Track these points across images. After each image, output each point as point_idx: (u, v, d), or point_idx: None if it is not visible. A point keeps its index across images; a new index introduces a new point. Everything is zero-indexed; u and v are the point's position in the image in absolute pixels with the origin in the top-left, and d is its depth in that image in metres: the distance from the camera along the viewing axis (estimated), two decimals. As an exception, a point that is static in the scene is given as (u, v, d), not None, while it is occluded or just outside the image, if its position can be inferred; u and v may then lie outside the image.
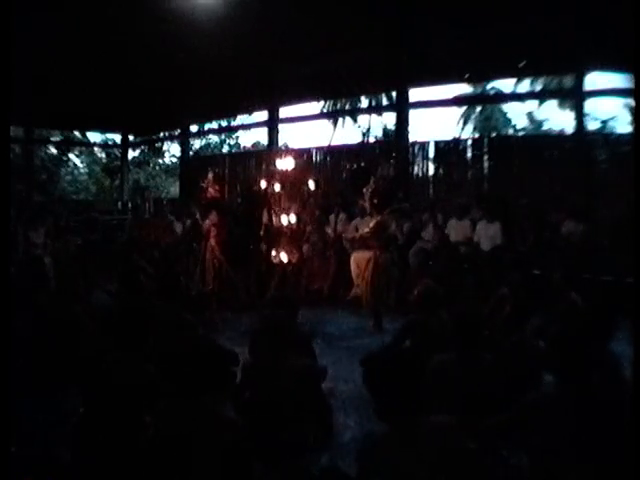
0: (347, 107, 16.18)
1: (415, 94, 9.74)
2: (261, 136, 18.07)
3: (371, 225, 5.91)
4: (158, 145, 19.47)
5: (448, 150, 9.17)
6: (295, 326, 3.51)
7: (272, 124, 11.66)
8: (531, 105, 19.82)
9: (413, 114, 9.64)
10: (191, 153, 16.56)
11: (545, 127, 19.96)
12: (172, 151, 20.53)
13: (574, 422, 2.01)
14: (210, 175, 6.73)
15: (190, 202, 8.06)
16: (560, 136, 12.51)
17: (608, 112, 15.42)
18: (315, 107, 16.02)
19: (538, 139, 14.12)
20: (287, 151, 10.02)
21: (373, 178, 6.07)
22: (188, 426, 2.10)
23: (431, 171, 9.34)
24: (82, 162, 21.24)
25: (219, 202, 6.74)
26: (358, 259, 6.24)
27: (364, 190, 5.97)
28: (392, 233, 6.72)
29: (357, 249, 6.41)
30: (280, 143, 12.54)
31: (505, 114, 21.28)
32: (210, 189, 6.57)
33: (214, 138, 20.58)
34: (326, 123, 20.06)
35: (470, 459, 1.84)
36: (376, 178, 6.06)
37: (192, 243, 6.90)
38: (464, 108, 20.81)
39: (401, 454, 1.82)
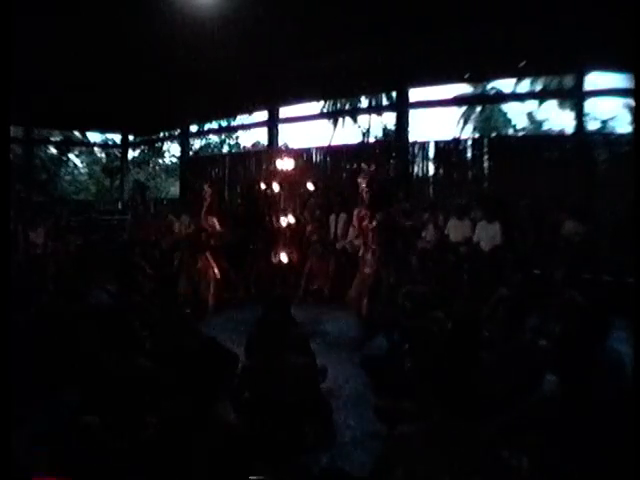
0: (347, 107, 16.18)
1: (415, 94, 9.77)
2: (261, 136, 18.09)
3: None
4: (158, 145, 19.47)
5: (448, 150, 9.17)
6: (290, 325, 3.51)
7: (272, 124, 11.66)
8: (531, 105, 19.79)
9: (413, 114, 9.67)
10: (191, 153, 16.56)
11: (545, 127, 19.94)
12: (172, 151, 20.58)
13: (576, 422, 2.01)
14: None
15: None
16: (560, 136, 12.48)
17: (608, 112, 15.44)
18: (315, 107, 16.03)
19: (538, 139, 14.09)
20: (287, 151, 10.02)
21: (366, 168, 5.69)
22: (186, 426, 2.10)
23: (431, 171, 9.34)
24: (82, 162, 21.23)
25: None
26: None
27: (359, 180, 5.45)
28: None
29: None
30: (280, 143, 12.52)
31: (505, 114, 21.25)
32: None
33: (214, 138, 20.58)
34: (326, 123, 20.07)
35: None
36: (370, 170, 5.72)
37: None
38: (464, 108, 20.78)
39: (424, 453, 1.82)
